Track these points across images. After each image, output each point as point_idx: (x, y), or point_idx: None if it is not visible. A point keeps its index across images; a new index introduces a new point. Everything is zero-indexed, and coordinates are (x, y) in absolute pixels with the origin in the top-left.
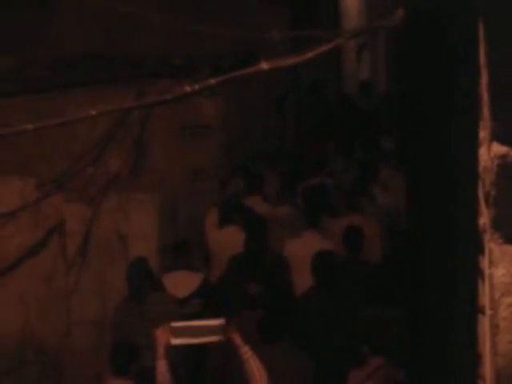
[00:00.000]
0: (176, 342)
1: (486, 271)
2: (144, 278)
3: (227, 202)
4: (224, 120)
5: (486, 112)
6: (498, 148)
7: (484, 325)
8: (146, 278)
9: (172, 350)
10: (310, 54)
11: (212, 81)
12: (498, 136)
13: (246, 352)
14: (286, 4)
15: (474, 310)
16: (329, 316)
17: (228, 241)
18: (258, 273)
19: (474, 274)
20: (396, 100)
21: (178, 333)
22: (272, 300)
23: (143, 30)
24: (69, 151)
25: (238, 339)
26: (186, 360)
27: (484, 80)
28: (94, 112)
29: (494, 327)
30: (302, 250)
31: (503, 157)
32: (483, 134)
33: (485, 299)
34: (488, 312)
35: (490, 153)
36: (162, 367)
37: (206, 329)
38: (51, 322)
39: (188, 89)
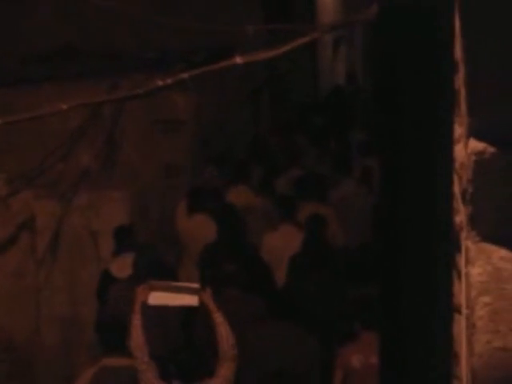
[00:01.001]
0: (153, 300)
1: (463, 270)
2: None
3: (197, 190)
4: (197, 114)
5: (462, 108)
6: (475, 144)
7: (460, 324)
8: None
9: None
10: (286, 48)
11: (185, 75)
12: (474, 132)
13: (218, 317)
14: None
15: (450, 309)
16: (322, 296)
17: (197, 229)
18: (234, 254)
19: (450, 272)
20: (372, 93)
21: (157, 287)
22: (251, 278)
23: (117, 24)
24: (39, 146)
25: (211, 304)
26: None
27: (461, 75)
28: (64, 106)
29: (471, 326)
30: (278, 243)
31: (480, 153)
32: (460, 130)
33: (461, 298)
34: (464, 311)
35: (466, 149)
36: (136, 321)
37: (183, 288)
38: (20, 319)
39: (160, 83)
